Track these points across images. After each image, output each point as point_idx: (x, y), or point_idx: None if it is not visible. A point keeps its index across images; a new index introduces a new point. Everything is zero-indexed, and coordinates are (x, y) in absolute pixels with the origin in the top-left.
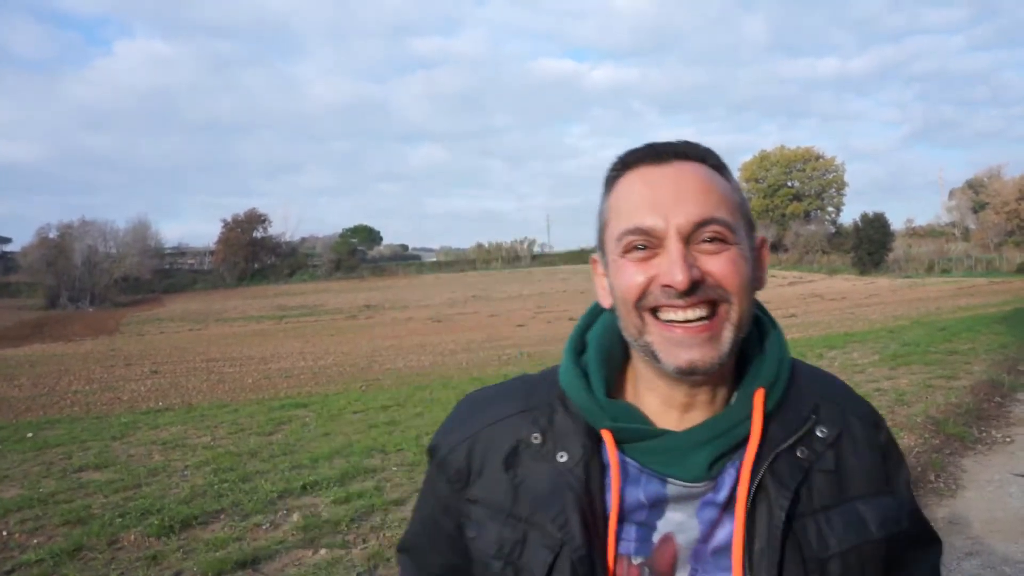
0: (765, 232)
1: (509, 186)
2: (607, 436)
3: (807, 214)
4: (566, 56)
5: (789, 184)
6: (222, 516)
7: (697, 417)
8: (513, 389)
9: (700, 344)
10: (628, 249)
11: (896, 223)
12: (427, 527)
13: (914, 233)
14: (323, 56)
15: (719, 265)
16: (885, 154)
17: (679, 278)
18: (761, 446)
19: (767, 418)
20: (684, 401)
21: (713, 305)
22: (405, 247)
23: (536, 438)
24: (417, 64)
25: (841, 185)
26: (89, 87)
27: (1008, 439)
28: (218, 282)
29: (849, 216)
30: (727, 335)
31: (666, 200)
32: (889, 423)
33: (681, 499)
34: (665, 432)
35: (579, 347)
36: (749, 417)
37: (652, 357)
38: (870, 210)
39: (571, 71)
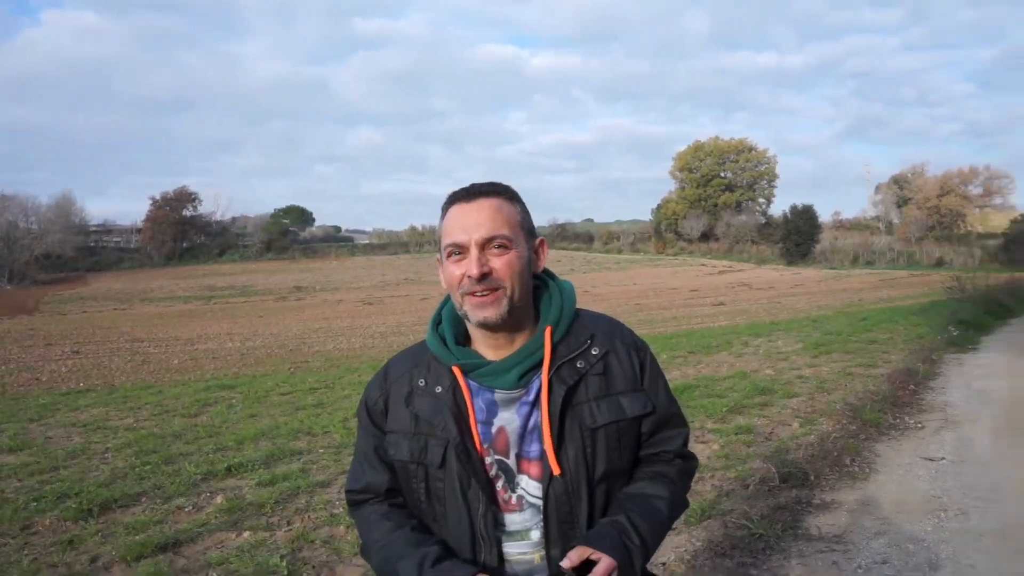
0: (697, 221)
1: (447, 170)
2: (456, 370)
3: (738, 204)
4: (509, 42)
5: (722, 175)
6: (143, 499)
7: (506, 350)
8: (407, 354)
9: (488, 307)
10: (450, 255)
11: (824, 215)
12: (368, 457)
13: (841, 226)
14: (264, 34)
15: (500, 263)
16: (816, 148)
17: (475, 272)
18: (553, 362)
19: (556, 344)
20: (491, 342)
21: (498, 286)
22: (338, 229)
23: (422, 382)
24: (359, 45)
25: (772, 177)
26: (13, 57)
27: (920, 425)
28: (145, 261)
29: (779, 208)
30: (504, 303)
31: (470, 225)
32: (809, 409)
33: (505, 402)
34: (490, 362)
35: (438, 319)
36: (543, 345)
37: (467, 317)
38: (799, 202)
39: (513, 57)
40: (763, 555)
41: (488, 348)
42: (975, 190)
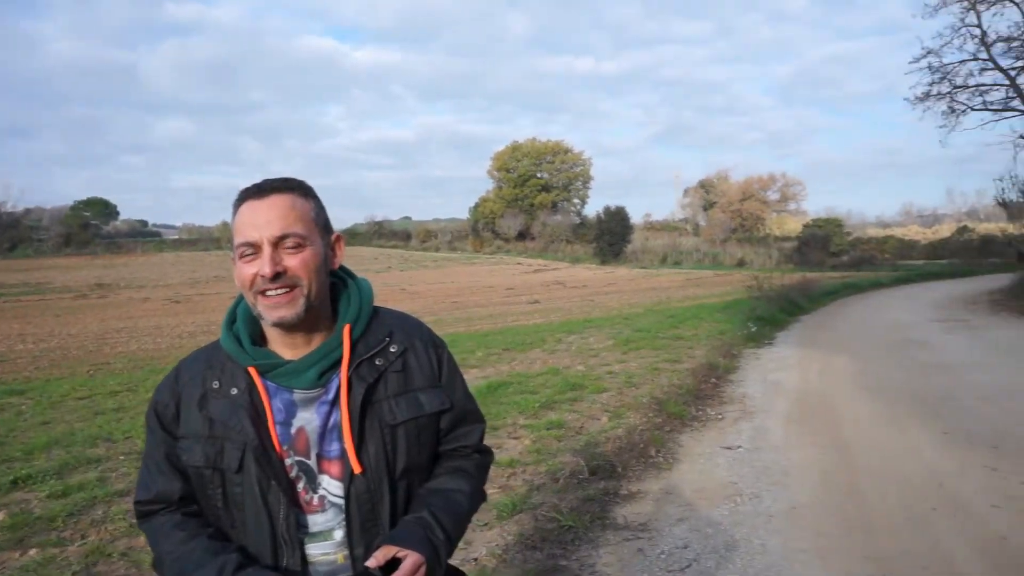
0: (513, 220)
1: (261, 164)
2: (252, 370)
3: (554, 205)
4: (329, 35)
5: (538, 175)
6: None
7: (304, 349)
8: (200, 355)
9: (283, 307)
10: (242, 255)
11: (635, 217)
12: (159, 464)
13: (651, 227)
14: (64, 12)
15: (294, 262)
16: (630, 152)
17: (267, 271)
18: (352, 360)
19: (356, 342)
20: (288, 342)
21: (294, 285)
22: (144, 223)
23: (216, 384)
24: (170, 31)
25: (587, 179)
26: None
27: (720, 416)
28: None
29: (593, 208)
30: (301, 302)
31: (261, 222)
32: (618, 404)
33: (304, 402)
34: (288, 361)
35: (232, 318)
36: (342, 344)
37: (262, 318)
38: (613, 204)
39: (333, 50)
40: (572, 546)
41: (285, 347)
42: (773, 196)
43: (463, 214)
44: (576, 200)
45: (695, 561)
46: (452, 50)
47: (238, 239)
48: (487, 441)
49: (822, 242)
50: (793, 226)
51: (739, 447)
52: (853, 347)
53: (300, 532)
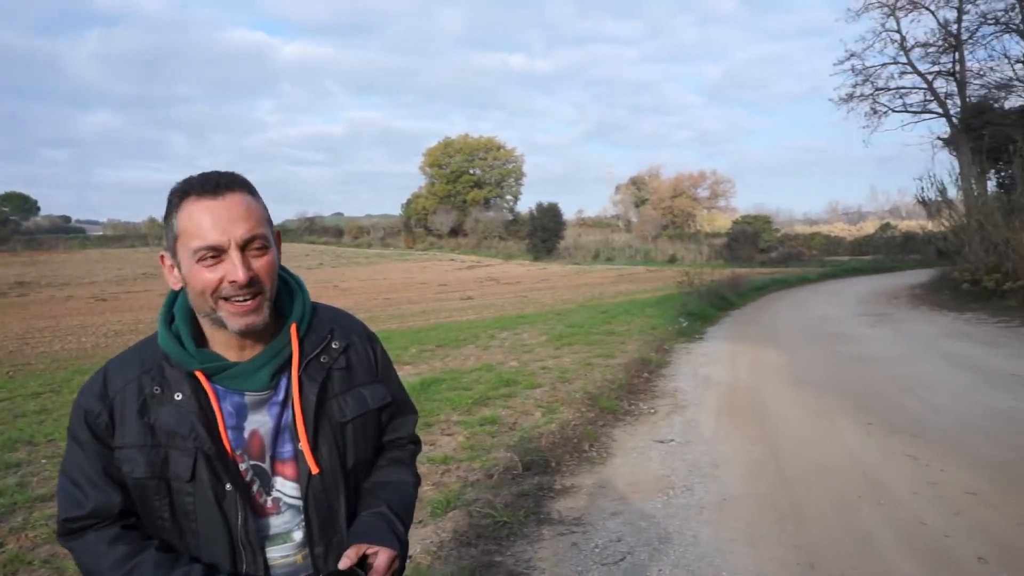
0: (446, 217)
1: (189, 159)
2: (200, 375)
3: (487, 201)
4: (259, 28)
5: (471, 172)
6: None
7: (251, 351)
8: (131, 357)
9: (251, 314)
10: (202, 259)
11: (568, 213)
12: (92, 478)
13: (584, 223)
14: None
15: (261, 265)
16: (562, 149)
17: (241, 278)
18: (301, 359)
19: (301, 340)
20: (237, 343)
21: (259, 291)
22: (67, 219)
23: (156, 390)
24: (93, 20)
25: (520, 175)
26: None
27: (652, 410)
28: None
29: (526, 205)
30: (266, 307)
31: (224, 224)
32: (551, 399)
33: (256, 404)
34: (237, 363)
35: (169, 318)
36: (290, 343)
37: (221, 324)
38: (545, 200)
39: (263, 44)
40: (507, 541)
41: (231, 348)
42: (703, 193)
43: (395, 210)
44: (509, 197)
45: (629, 554)
46: (385, 45)
47: (198, 242)
48: (421, 437)
49: (751, 238)
50: (723, 223)
51: (671, 440)
52: (781, 341)
53: (259, 537)
